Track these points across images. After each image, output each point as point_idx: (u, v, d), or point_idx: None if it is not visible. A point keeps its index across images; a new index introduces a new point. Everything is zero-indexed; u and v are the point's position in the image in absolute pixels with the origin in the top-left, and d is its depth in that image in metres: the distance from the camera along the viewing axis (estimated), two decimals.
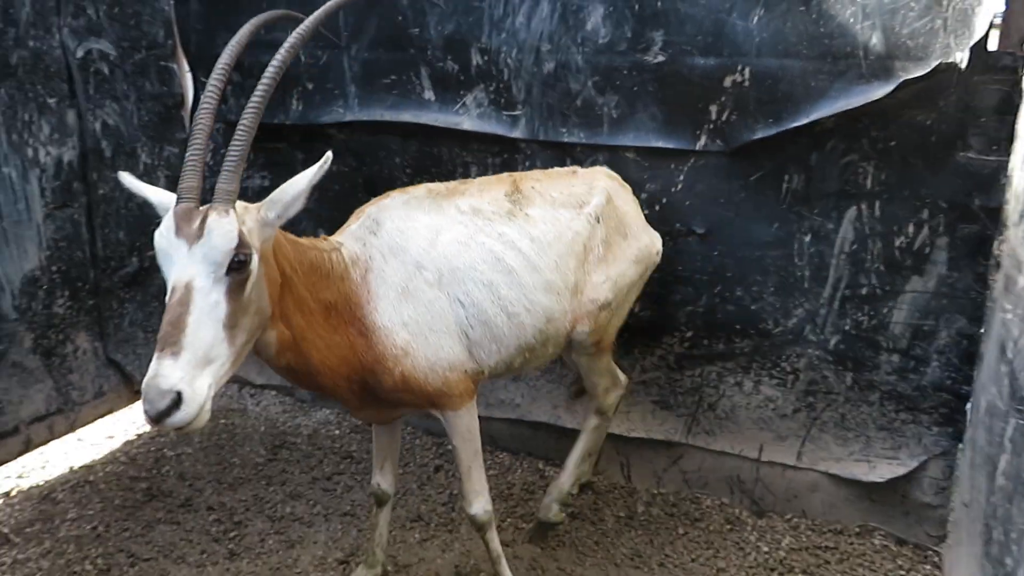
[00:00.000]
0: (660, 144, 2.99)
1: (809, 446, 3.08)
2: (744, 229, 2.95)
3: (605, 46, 2.98)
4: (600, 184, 2.75)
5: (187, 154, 1.84)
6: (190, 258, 1.68)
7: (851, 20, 2.60)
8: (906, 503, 2.98)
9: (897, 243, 2.75)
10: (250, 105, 1.89)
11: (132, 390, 3.91)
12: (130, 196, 3.67)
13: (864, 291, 2.84)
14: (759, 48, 2.75)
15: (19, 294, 3.29)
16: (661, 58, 2.90)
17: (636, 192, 3.06)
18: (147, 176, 3.75)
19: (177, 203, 1.76)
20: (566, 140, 3.12)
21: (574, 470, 3.02)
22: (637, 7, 2.90)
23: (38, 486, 3.41)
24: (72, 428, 3.63)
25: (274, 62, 1.99)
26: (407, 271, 2.27)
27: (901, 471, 2.92)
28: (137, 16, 3.70)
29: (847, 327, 2.89)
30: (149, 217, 3.80)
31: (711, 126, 2.90)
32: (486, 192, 2.57)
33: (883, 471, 2.95)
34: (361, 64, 3.46)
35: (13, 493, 3.35)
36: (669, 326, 3.16)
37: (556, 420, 3.50)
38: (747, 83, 2.79)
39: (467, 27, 3.19)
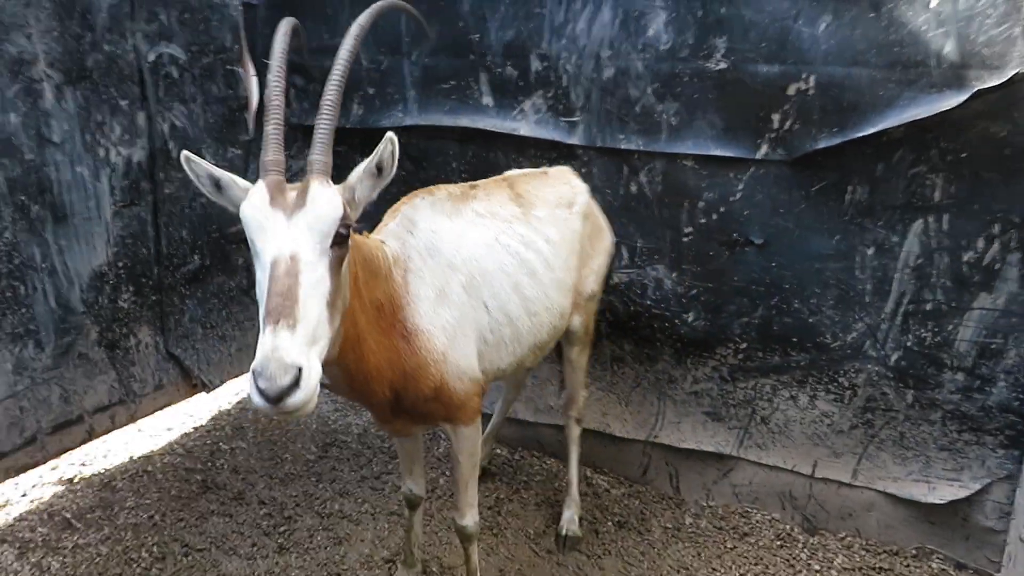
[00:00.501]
0: (719, 152, 2.95)
1: (866, 464, 3.00)
2: (804, 240, 2.90)
3: (666, 52, 2.96)
4: (578, 184, 2.91)
5: (268, 129, 1.72)
6: (293, 228, 1.58)
7: (923, 27, 2.54)
8: (967, 527, 2.88)
9: (965, 258, 2.66)
10: (331, 79, 1.80)
11: (190, 384, 4.00)
12: (194, 196, 3.82)
13: (929, 307, 2.75)
14: (826, 56, 2.70)
15: (87, 288, 3.40)
16: (723, 65, 2.87)
17: (693, 200, 3.04)
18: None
19: (265, 175, 1.67)
20: (623, 147, 3.11)
21: (577, 480, 3.20)
22: (700, 13, 2.87)
23: (99, 474, 3.51)
24: (133, 419, 3.73)
25: (351, 37, 1.91)
26: (443, 273, 2.23)
27: (963, 493, 2.82)
28: (206, 21, 3.80)
29: (909, 343, 2.81)
30: (211, 216, 3.92)
31: (773, 135, 2.85)
32: (493, 195, 2.58)
33: (944, 493, 2.86)
34: (421, 69, 3.50)
35: (75, 480, 3.46)
36: (723, 337, 3.12)
37: (604, 427, 3.47)
38: (812, 91, 2.74)
39: (527, 33, 3.21)
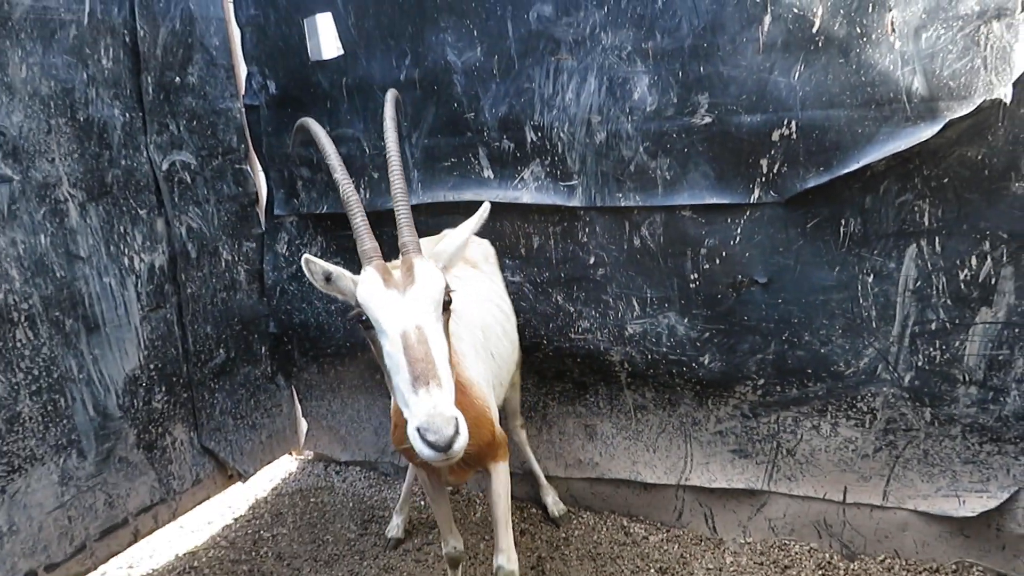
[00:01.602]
0: (715, 200, 3.09)
1: (894, 484, 3.07)
2: (805, 275, 3.02)
3: (653, 113, 3.13)
4: (484, 240, 3.40)
5: (357, 222, 2.03)
6: (410, 303, 1.83)
7: (891, 67, 2.70)
8: (1001, 536, 2.94)
9: (962, 276, 2.78)
10: (393, 168, 2.19)
11: (226, 475, 4.10)
12: (215, 292, 3.96)
13: (934, 326, 2.87)
14: (803, 101, 2.86)
15: (122, 393, 3.52)
16: (708, 119, 3.04)
17: (696, 248, 3.18)
18: (228, 272, 4.03)
19: (369, 262, 1.94)
20: (623, 204, 3.26)
21: (541, 471, 3.71)
22: (680, 74, 3.04)
23: (148, 575, 3.57)
24: (174, 516, 3.82)
25: (390, 130, 2.32)
26: (470, 331, 2.50)
27: (992, 504, 2.89)
28: (213, 126, 4.01)
29: (920, 363, 2.91)
30: (232, 310, 4.06)
31: (763, 179, 3.00)
32: None
33: (973, 505, 2.93)
34: (422, 150, 3.68)
35: None
36: (740, 375, 3.22)
37: (636, 476, 3.55)
38: (795, 135, 2.90)
39: (519, 107, 3.39)
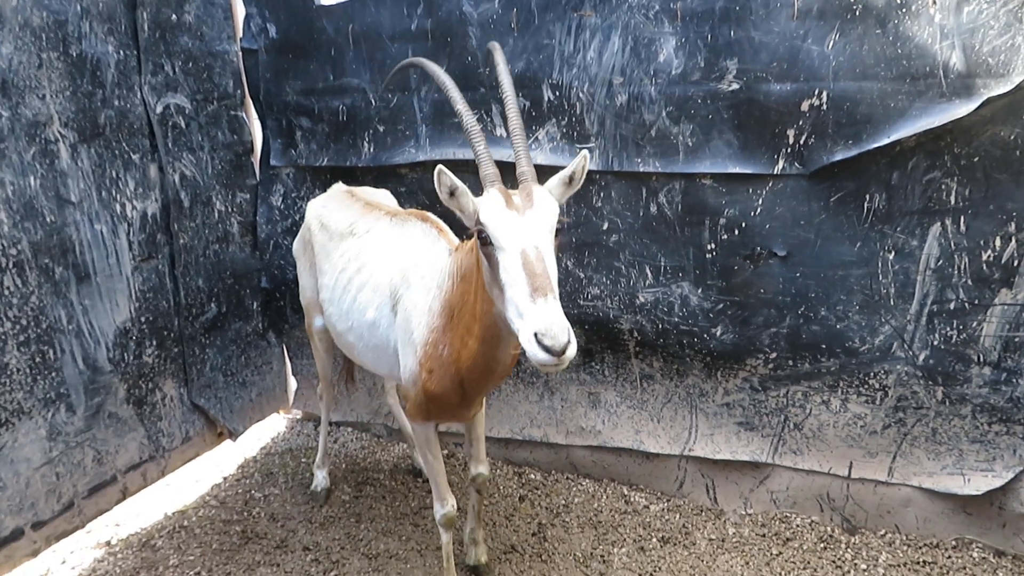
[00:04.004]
0: (737, 170, 3.03)
1: (900, 461, 3.09)
2: (826, 250, 2.99)
3: (678, 76, 3.04)
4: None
5: (479, 149, 2.13)
6: (529, 224, 1.95)
7: (929, 40, 2.65)
8: (1003, 514, 2.98)
9: (984, 257, 2.77)
10: (511, 108, 2.24)
11: (215, 433, 3.99)
12: (207, 244, 3.81)
13: (952, 306, 2.86)
14: (836, 72, 2.80)
15: (112, 346, 3.38)
16: (736, 86, 2.96)
17: (715, 218, 3.12)
18: (221, 224, 3.89)
19: (492, 185, 2.07)
20: (641, 170, 3.18)
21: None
22: (709, 38, 2.96)
23: (136, 534, 3.48)
24: (163, 474, 3.71)
25: (505, 73, 2.33)
26: None
27: (997, 483, 2.93)
28: (209, 69, 3.82)
29: (936, 342, 2.91)
30: (224, 264, 3.91)
31: (788, 150, 2.95)
32: None
33: (978, 484, 2.96)
34: (431, 104, 3.55)
35: (113, 542, 3.42)
36: (753, 348, 3.20)
37: (639, 445, 3.53)
38: (825, 106, 2.84)
39: (538, 64, 3.27)
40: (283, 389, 4.48)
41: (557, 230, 2.02)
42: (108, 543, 3.42)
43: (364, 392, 4.22)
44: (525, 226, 1.95)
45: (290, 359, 4.41)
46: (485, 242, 2.01)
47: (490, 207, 2.00)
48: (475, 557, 3.09)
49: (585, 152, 2.12)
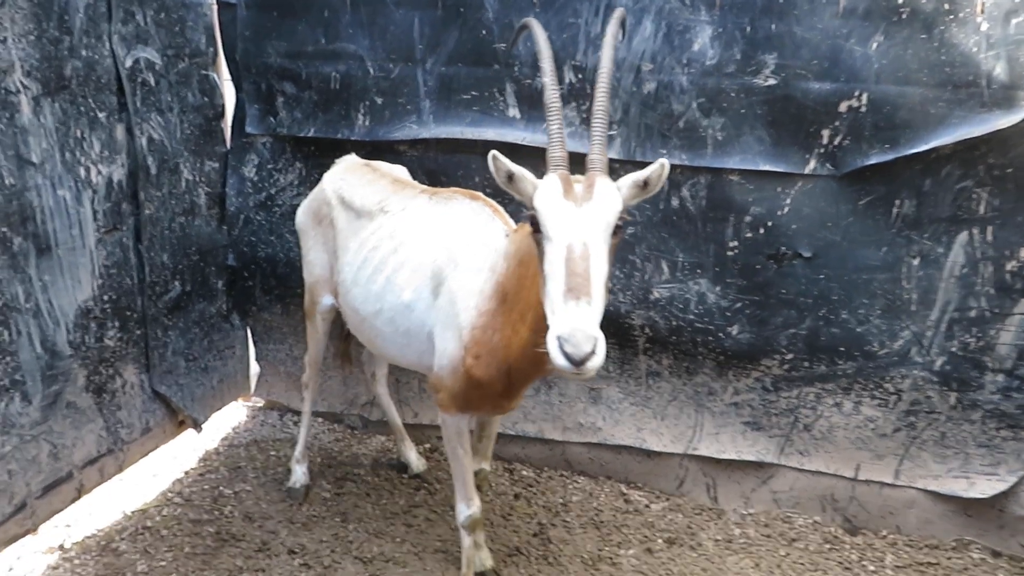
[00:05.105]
0: (767, 167, 2.97)
1: (907, 464, 3.13)
2: (851, 253, 2.97)
3: (713, 67, 2.94)
4: None
5: (553, 130, 1.95)
6: (583, 218, 1.81)
7: (974, 49, 2.64)
8: (1003, 517, 3.07)
9: (1008, 267, 2.82)
10: (601, 86, 1.99)
11: (176, 423, 3.63)
12: (173, 216, 3.46)
13: (972, 313, 2.90)
14: (878, 74, 2.76)
15: (73, 328, 2.99)
16: (772, 81, 2.88)
17: (740, 215, 3.05)
18: (188, 194, 3.53)
19: (555, 169, 1.90)
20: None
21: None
22: (749, 29, 2.86)
23: (93, 536, 3.11)
24: (120, 469, 3.34)
25: (610, 47, 2.07)
26: None
27: (1001, 487, 3.01)
28: (181, 21, 3.43)
29: (954, 348, 2.95)
30: (190, 238, 3.56)
31: (822, 150, 2.90)
32: None
33: (983, 487, 3.03)
34: (437, 78, 3.31)
35: (67, 546, 3.05)
36: (769, 349, 3.16)
37: (640, 443, 3.45)
38: (864, 108, 2.80)
39: (560, 44, 3.09)
40: (245, 375, 4.13)
41: (618, 227, 1.88)
42: (61, 547, 3.04)
43: (338, 381, 3.95)
44: (579, 219, 1.82)
45: (255, 343, 4.08)
46: (536, 228, 1.90)
47: (546, 193, 1.87)
48: (480, 562, 2.93)
49: (664, 161, 1.96)
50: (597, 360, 1.68)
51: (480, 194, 2.67)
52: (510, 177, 1.98)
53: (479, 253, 2.40)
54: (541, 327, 2.12)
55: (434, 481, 3.55)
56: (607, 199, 1.84)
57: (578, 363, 1.66)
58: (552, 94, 2.01)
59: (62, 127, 2.88)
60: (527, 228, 2.25)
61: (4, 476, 2.78)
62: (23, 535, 2.90)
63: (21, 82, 2.70)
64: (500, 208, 2.61)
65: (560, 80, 3.12)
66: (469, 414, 2.59)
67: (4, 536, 2.81)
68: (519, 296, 2.23)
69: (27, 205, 2.75)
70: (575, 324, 1.67)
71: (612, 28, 2.12)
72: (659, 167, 1.95)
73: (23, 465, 2.85)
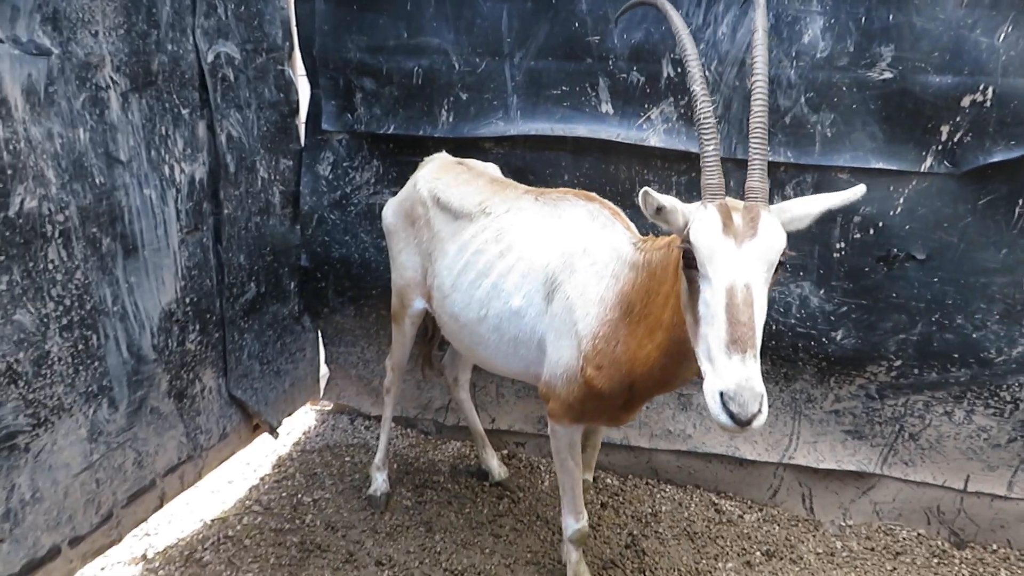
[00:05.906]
0: (880, 165, 2.83)
1: (1022, 476, 2.99)
2: (968, 255, 2.83)
3: (823, 60, 2.81)
4: None
5: (708, 152, 1.78)
6: (745, 257, 1.64)
7: None
8: None
9: None
10: (758, 97, 1.81)
11: (251, 428, 3.53)
12: (250, 216, 3.36)
13: None
14: (1005, 67, 2.62)
15: (157, 331, 2.90)
16: (888, 75, 2.75)
17: (848, 215, 2.92)
18: (264, 193, 3.43)
19: (712, 200, 1.74)
20: (770, 159, 2.93)
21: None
22: (864, 20, 2.73)
23: (174, 546, 3.03)
24: (200, 476, 3.25)
25: (762, 47, 1.86)
26: None
27: None
28: (260, 15, 3.33)
29: None
30: (265, 238, 3.46)
31: (940, 147, 2.76)
32: None
33: None
34: (525, 73, 3.19)
35: (150, 555, 2.97)
36: (876, 355, 3.02)
37: (734, 451, 3.32)
38: (989, 103, 2.66)
39: (659, 36, 2.97)
40: (315, 379, 4.03)
41: (779, 264, 1.71)
42: (144, 556, 2.96)
43: (412, 384, 3.84)
44: (740, 259, 1.65)
45: (325, 346, 3.98)
46: (690, 264, 1.74)
47: (705, 228, 1.69)
48: None
49: (862, 187, 1.79)
50: (761, 419, 1.57)
51: (595, 195, 2.55)
52: (659, 210, 1.80)
53: (600, 259, 2.28)
54: (673, 351, 2.01)
55: (516, 489, 3.44)
56: (771, 235, 1.66)
57: (744, 423, 1.55)
58: (704, 107, 1.81)
59: (148, 124, 2.79)
60: (663, 241, 2.13)
61: (92, 485, 2.69)
62: (109, 546, 2.81)
63: (111, 77, 2.61)
64: (619, 210, 2.49)
65: (657, 74, 3.00)
66: (583, 425, 2.47)
67: (91, 547, 2.72)
68: (648, 311, 2.11)
69: (116, 205, 2.66)
70: (740, 382, 1.55)
71: (760, 22, 1.88)
72: (854, 193, 1.77)
73: (110, 474, 2.76)
